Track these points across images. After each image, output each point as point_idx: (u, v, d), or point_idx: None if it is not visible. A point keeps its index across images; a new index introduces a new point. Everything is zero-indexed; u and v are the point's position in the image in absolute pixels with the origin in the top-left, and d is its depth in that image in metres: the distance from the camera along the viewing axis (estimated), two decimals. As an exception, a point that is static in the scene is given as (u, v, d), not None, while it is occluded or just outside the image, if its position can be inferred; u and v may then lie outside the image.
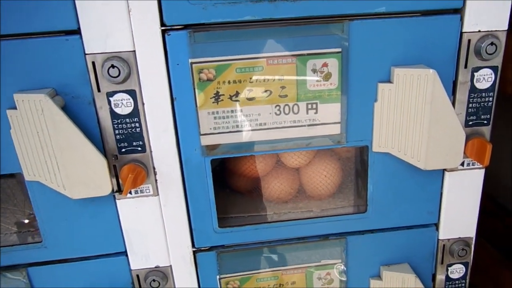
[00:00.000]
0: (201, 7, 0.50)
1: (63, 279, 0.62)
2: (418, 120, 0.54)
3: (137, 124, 0.55)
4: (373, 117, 0.57)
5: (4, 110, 0.51)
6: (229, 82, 0.54)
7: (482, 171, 0.63)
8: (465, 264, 0.69)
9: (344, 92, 0.56)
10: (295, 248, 0.66)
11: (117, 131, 0.55)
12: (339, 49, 0.54)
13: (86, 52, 0.51)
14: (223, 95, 0.54)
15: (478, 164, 0.62)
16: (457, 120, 0.55)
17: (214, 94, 0.54)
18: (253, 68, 0.53)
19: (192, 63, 0.52)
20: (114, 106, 0.54)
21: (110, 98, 0.53)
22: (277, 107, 0.56)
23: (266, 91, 0.55)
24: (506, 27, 0.55)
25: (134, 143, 0.56)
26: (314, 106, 0.56)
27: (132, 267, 0.63)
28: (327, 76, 0.55)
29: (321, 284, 0.68)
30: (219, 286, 0.66)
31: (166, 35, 0.51)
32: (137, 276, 0.63)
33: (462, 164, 0.62)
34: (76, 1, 0.49)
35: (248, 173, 0.67)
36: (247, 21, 0.52)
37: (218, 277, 0.65)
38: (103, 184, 0.54)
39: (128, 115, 0.54)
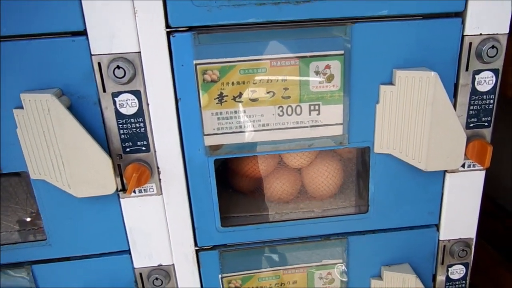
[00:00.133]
0: (206, 9, 0.51)
1: (66, 276, 0.63)
2: (420, 121, 0.54)
3: (141, 124, 0.55)
4: (375, 118, 0.58)
5: (11, 109, 0.52)
6: (232, 83, 0.54)
7: (483, 173, 0.63)
8: (466, 265, 0.69)
9: (346, 94, 0.56)
10: (297, 248, 0.66)
11: (121, 131, 0.55)
12: (341, 51, 0.54)
13: (92, 53, 0.51)
14: (227, 96, 0.55)
15: (479, 165, 0.62)
16: (458, 122, 0.55)
17: (218, 95, 0.55)
18: (256, 69, 0.54)
19: (196, 64, 0.53)
20: (119, 106, 0.54)
21: (115, 99, 0.54)
22: (280, 108, 0.56)
23: (269, 92, 0.55)
24: (507, 31, 0.55)
25: (139, 143, 0.56)
26: (317, 107, 0.57)
27: (135, 265, 0.63)
28: (330, 78, 0.55)
29: (322, 283, 0.68)
30: (221, 285, 0.66)
31: (171, 37, 0.52)
32: (140, 274, 0.64)
33: (463, 165, 0.62)
34: (82, 3, 0.49)
35: (251, 173, 0.68)
36: (251, 23, 0.52)
37: (220, 276, 0.65)
38: (107, 183, 0.54)
39: (133, 115, 0.55)
